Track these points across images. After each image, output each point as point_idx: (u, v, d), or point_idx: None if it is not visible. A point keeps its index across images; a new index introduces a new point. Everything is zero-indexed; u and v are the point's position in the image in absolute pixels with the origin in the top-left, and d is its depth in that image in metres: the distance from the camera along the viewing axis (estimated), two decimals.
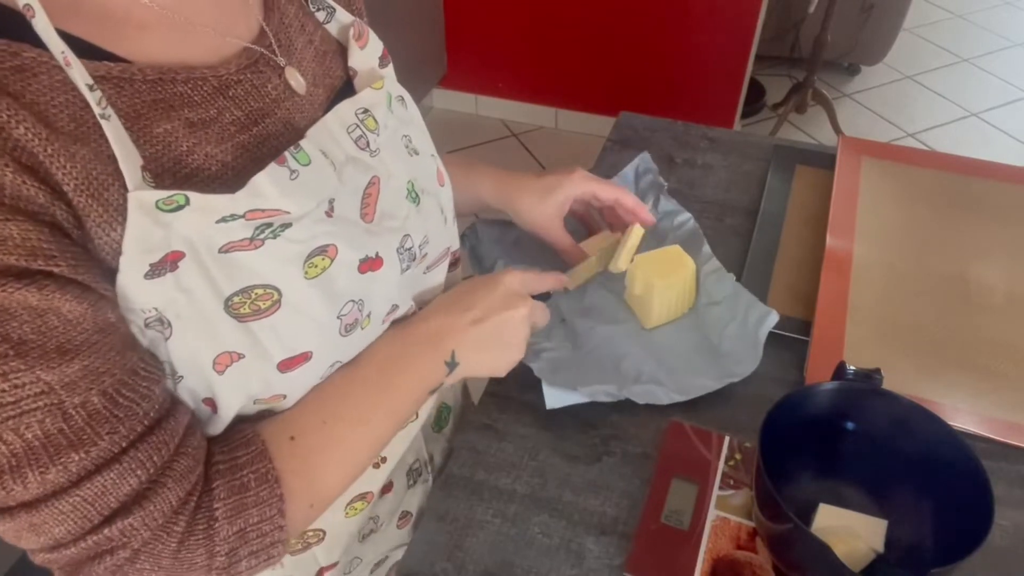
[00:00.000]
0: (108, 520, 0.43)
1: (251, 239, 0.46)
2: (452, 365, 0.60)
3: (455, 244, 0.69)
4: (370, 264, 0.53)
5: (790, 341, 0.78)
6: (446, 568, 0.62)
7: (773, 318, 0.76)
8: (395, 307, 0.58)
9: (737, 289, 0.80)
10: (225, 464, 0.49)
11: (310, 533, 0.62)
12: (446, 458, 0.78)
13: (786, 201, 0.97)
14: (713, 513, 0.64)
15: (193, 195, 0.43)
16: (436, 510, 0.66)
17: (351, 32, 0.59)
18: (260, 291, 0.47)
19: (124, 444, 0.43)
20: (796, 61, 2.90)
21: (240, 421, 0.53)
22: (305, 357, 0.51)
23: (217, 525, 0.47)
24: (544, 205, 0.77)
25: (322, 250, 0.49)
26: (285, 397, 0.52)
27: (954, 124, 2.88)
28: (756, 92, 2.89)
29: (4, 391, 0.38)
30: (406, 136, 0.60)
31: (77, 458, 0.41)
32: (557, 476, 0.68)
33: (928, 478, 0.59)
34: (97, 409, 0.42)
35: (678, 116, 1.17)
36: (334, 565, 0.67)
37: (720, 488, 0.66)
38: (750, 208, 0.97)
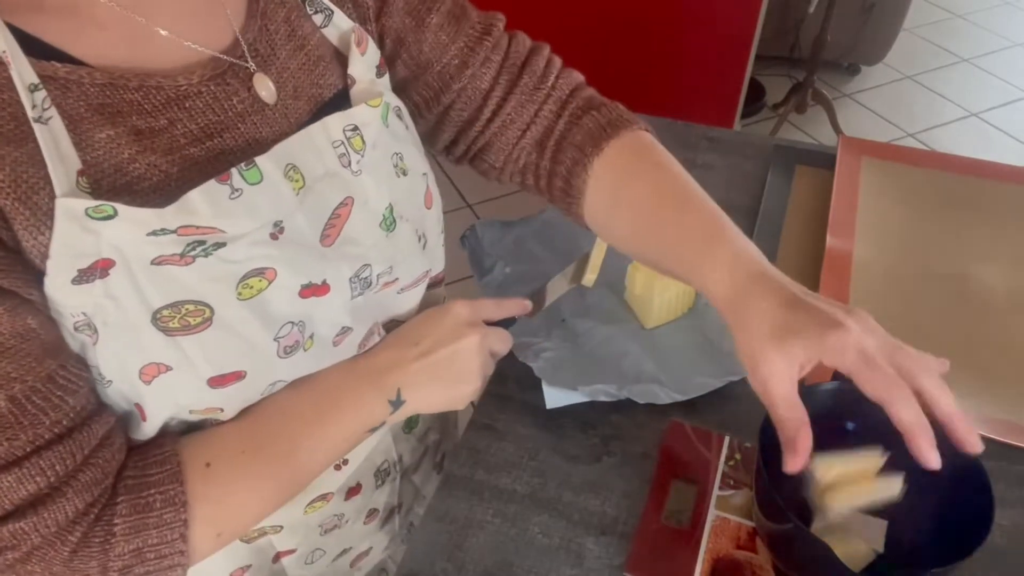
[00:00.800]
0: (1, 520, 0.43)
1: (181, 255, 0.44)
2: (397, 403, 0.57)
3: (436, 266, 0.65)
4: (314, 290, 0.51)
5: None
6: (446, 568, 0.62)
7: None
8: (347, 329, 0.55)
9: None
10: (135, 480, 0.48)
11: (266, 527, 0.62)
12: (419, 456, 0.77)
13: (786, 201, 0.97)
14: (713, 513, 0.64)
15: (121, 207, 0.42)
16: (436, 510, 0.66)
17: (352, 38, 0.56)
18: (191, 307, 0.45)
19: (27, 450, 0.43)
20: (796, 61, 2.90)
21: (188, 429, 0.52)
22: (238, 376, 0.49)
23: (114, 540, 0.47)
24: (774, 354, 0.47)
25: (259, 272, 0.48)
26: (223, 411, 0.52)
27: (954, 124, 2.88)
28: (756, 92, 2.89)
29: None
30: (397, 154, 0.57)
31: None
32: (557, 476, 0.68)
33: (928, 478, 0.59)
34: (1, 413, 0.42)
35: (678, 116, 1.17)
36: (292, 551, 0.66)
37: (720, 488, 0.66)
38: (750, 208, 0.97)
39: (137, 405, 0.49)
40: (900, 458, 0.61)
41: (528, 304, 0.66)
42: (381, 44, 0.62)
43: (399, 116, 0.59)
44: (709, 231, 0.55)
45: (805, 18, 2.67)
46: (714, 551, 0.61)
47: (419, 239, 0.60)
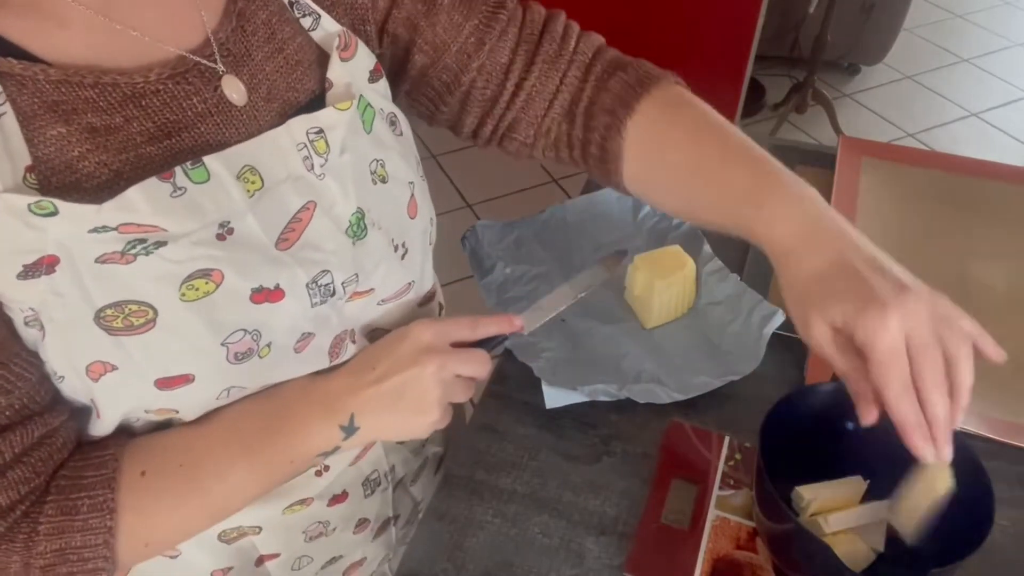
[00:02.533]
0: None
1: (122, 253, 0.44)
2: (350, 430, 0.54)
3: (421, 280, 0.62)
4: (266, 295, 0.49)
5: (790, 341, 0.78)
6: (446, 568, 0.62)
7: (779, 318, 0.76)
8: (307, 335, 0.53)
9: (741, 289, 0.80)
10: (67, 481, 0.49)
11: (245, 527, 0.61)
12: (416, 468, 0.76)
13: None
14: (713, 513, 0.64)
15: (61, 203, 0.42)
16: (436, 510, 0.66)
17: (336, 42, 0.55)
18: (134, 307, 0.45)
19: None
20: (796, 61, 2.90)
21: (156, 427, 0.53)
22: (186, 379, 0.49)
23: (37, 539, 0.47)
24: (813, 314, 0.49)
25: (204, 273, 0.47)
26: (178, 412, 0.51)
27: (954, 124, 2.88)
28: (756, 92, 2.89)
29: None
30: (378, 161, 0.56)
31: None
32: (557, 476, 0.68)
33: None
34: None
35: None
36: (276, 556, 0.65)
37: (720, 488, 0.66)
38: None
39: (92, 400, 0.49)
40: (894, 475, 0.61)
41: (518, 322, 0.59)
42: (395, 38, 0.62)
43: (392, 123, 0.58)
44: (755, 185, 0.55)
45: (805, 18, 2.67)
46: (714, 551, 0.61)
47: (395, 249, 0.58)
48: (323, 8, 0.56)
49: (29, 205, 0.42)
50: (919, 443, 0.47)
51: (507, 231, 0.90)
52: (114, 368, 0.47)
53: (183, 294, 0.46)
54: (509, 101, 0.64)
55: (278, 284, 0.50)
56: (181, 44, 0.49)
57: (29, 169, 0.43)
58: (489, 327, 0.57)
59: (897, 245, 0.88)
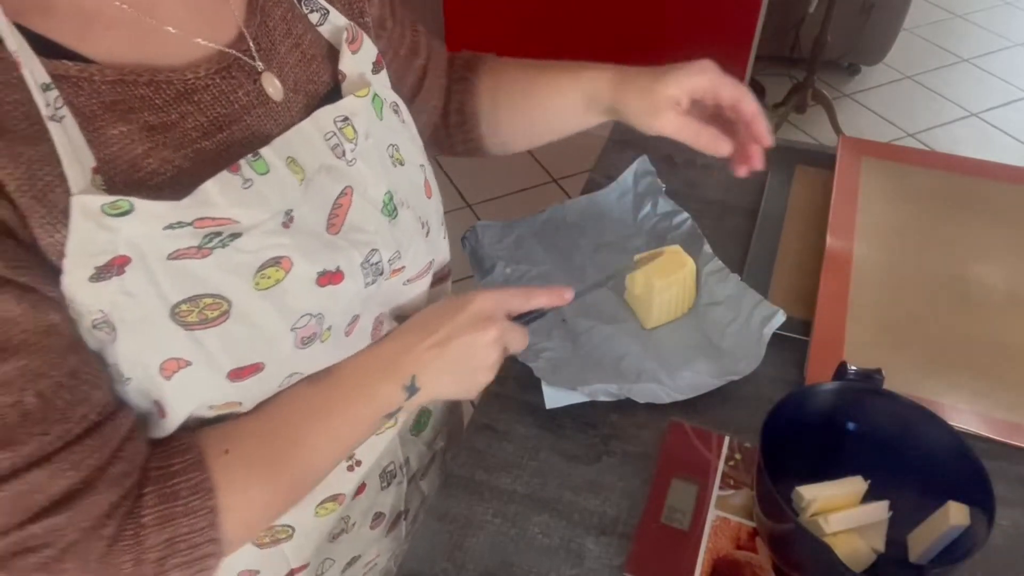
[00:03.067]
0: (35, 517, 0.43)
1: (199, 247, 0.45)
2: (411, 390, 0.57)
3: (440, 256, 0.66)
4: (330, 278, 0.51)
5: (790, 341, 0.78)
6: (446, 568, 0.62)
7: (780, 318, 0.76)
8: (356, 317, 0.56)
9: (742, 289, 0.80)
10: (159, 471, 0.48)
11: (278, 528, 0.61)
12: (426, 462, 0.77)
13: (786, 201, 0.97)
14: (713, 513, 0.64)
15: (138, 201, 0.42)
16: (436, 510, 0.66)
17: (344, 35, 0.58)
18: (208, 300, 0.46)
19: (57, 445, 0.43)
20: (796, 61, 2.90)
21: (200, 424, 0.52)
22: (256, 368, 0.49)
23: (144, 532, 0.47)
24: (659, 86, 0.65)
25: (275, 262, 0.48)
26: (241, 404, 0.52)
27: (954, 124, 2.88)
28: (756, 92, 2.87)
29: None
30: (393, 145, 0.59)
31: (3, 456, 0.41)
32: (557, 476, 0.68)
33: (928, 478, 0.59)
34: (30, 410, 0.42)
35: None
36: (305, 567, 0.65)
37: (720, 488, 0.66)
38: (750, 208, 0.97)
39: (156, 402, 0.49)
40: (895, 475, 0.61)
41: (568, 295, 0.63)
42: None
43: (395, 111, 0.60)
44: (572, 66, 0.73)
45: (805, 18, 2.67)
46: (714, 551, 0.61)
47: (422, 226, 0.61)
48: (330, 3, 0.58)
49: (103, 206, 0.42)
50: (766, 131, 0.66)
51: (507, 231, 0.90)
52: (188, 364, 0.47)
53: (256, 283, 0.47)
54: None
55: (339, 266, 0.52)
56: (216, 39, 0.50)
57: (95, 171, 0.43)
58: (541, 299, 0.61)
59: (897, 245, 0.89)
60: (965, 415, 0.71)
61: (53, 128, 0.41)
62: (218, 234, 0.46)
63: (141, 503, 0.47)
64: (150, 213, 0.43)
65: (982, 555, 0.50)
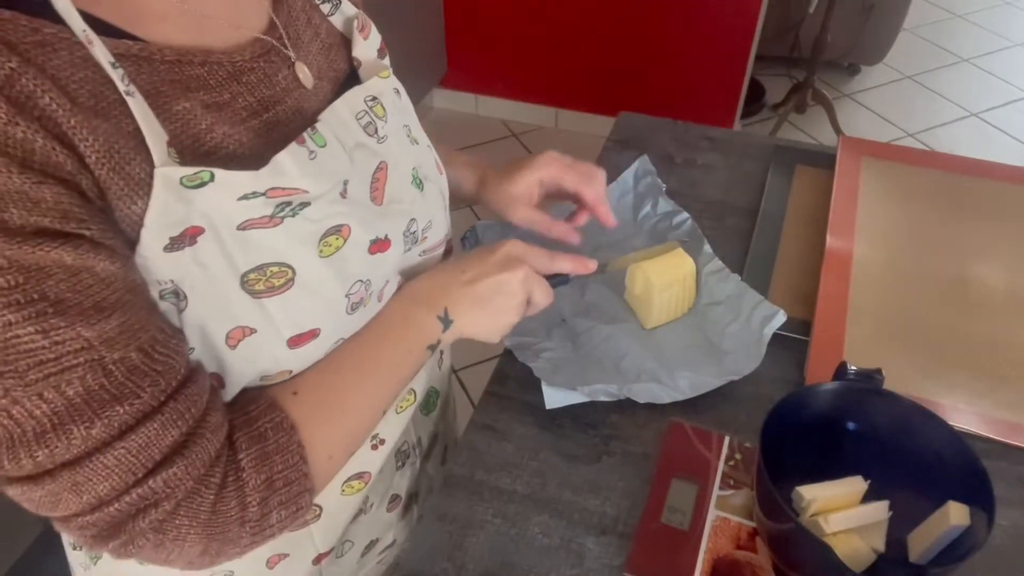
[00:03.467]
0: (152, 472, 0.44)
1: (271, 216, 0.47)
2: (446, 321, 0.60)
3: (448, 229, 0.70)
4: (379, 245, 0.55)
5: (790, 341, 0.78)
6: (446, 568, 0.62)
7: (780, 318, 0.76)
8: (387, 283, 0.59)
9: (742, 289, 0.80)
10: (240, 418, 0.50)
11: None
12: (432, 442, 0.79)
13: (786, 201, 0.97)
14: (713, 513, 0.64)
15: (219, 172, 0.44)
16: (436, 510, 0.66)
17: (355, 23, 0.61)
18: (275, 268, 0.48)
19: (164, 396, 0.44)
20: (796, 61, 2.90)
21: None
22: (313, 334, 0.52)
23: (245, 475, 0.48)
24: (509, 186, 0.75)
25: (336, 230, 0.51)
26: (291, 373, 0.53)
27: (954, 124, 2.88)
28: (756, 92, 2.89)
29: (44, 348, 0.39)
30: (406, 126, 0.62)
31: (121, 411, 0.42)
32: (557, 476, 0.68)
33: (928, 478, 0.59)
34: (136, 364, 0.42)
35: (678, 116, 1.17)
36: (330, 551, 0.67)
37: (720, 488, 0.66)
38: (750, 208, 0.97)
39: (215, 374, 0.50)
40: (895, 475, 0.61)
41: (592, 264, 0.68)
42: None
43: (398, 96, 0.63)
44: (450, 161, 0.77)
45: (805, 18, 2.67)
46: (714, 551, 0.61)
47: (443, 198, 0.65)
48: None
49: (182, 178, 0.43)
50: (607, 212, 0.76)
51: (507, 231, 0.90)
52: (253, 331, 0.49)
53: (320, 251, 0.50)
54: None
55: (387, 234, 0.56)
56: (252, 27, 0.53)
57: (168, 144, 0.44)
58: (564, 264, 0.66)
59: (897, 245, 0.89)
60: (965, 415, 0.71)
61: (131, 102, 0.42)
62: (288, 203, 0.48)
63: (235, 447, 0.49)
64: (228, 183, 0.45)
65: (982, 555, 0.50)
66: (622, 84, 2.67)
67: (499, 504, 0.66)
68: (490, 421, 0.73)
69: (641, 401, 0.71)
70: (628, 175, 0.96)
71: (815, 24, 2.56)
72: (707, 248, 0.85)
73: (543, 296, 0.64)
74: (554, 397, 0.71)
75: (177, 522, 0.45)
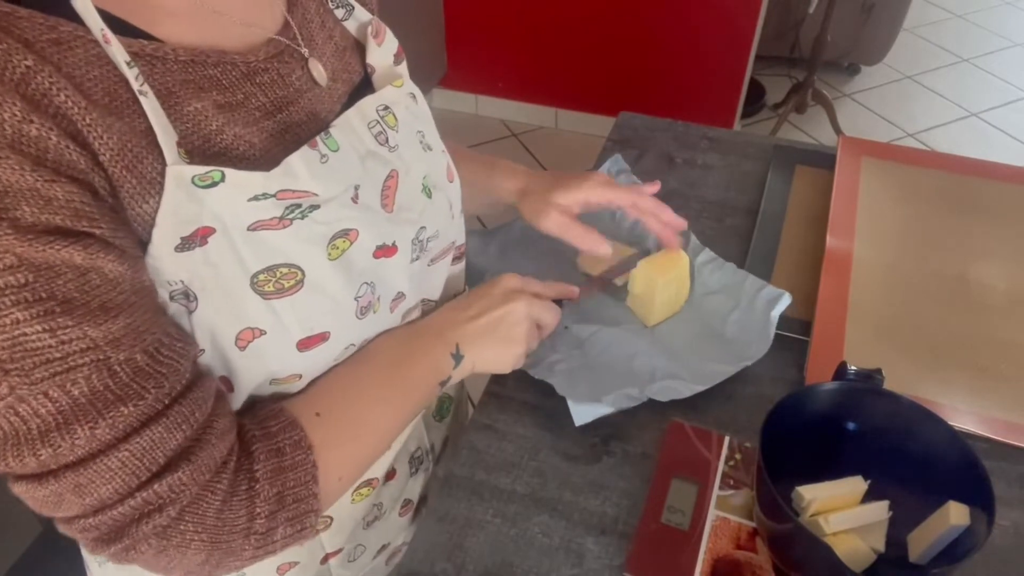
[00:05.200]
0: (156, 476, 0.43)
1: (280, 218, 0.47)
2: (458, 357, 0.62)
3: (460, 238, 0.70)
4: (385, 251, 0.55)
5: (790, 341, 0.78)
6: (446, 568, 0.62)
7: (786, 299, 0.76)
8: (400, 295, 0.59)
9: (741, 276, 0.81)
10: (259, 431, 0.50)
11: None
12: (443, 445, 0.80)
13: (786, 201, 0.97)
14: (713, 513, 0.64)
15: (229, 172, 0.44)
16: (436, 510, 0.66)
17: (369, 29, 0.61)
18: (285, 270, 0.48)
19: (169, 400, 0.44)
20: (796, 61, 2.90)
21: (254, 402, 0.53)
22: (323, 337, 0.52)
23: (258, 486, 0.48)
24: (554, 196, 0.75)
25: (344, 233, 0.51)
26: (300, 377, 0.53)
27: (954, 124, 2.88)
28: (756, 92, 2.89)
29: (51, 347, 0.39)
30: (420, 132, 0.62)
31: (126, 412, 0.41)
32: (557, 476, 0.68)
33: (928, 478, 0.59)
34: (141, 366, 0.42)
35: (678, 116, 1.17)
36: (339, 551, 0.67)
37: (720, 488, 0.66)
38: (750, 208, 0.97)
39: (224, 377, 0.50)
40: (895, 475, 0.61)
41: (575, 291, 0.72)
42: None
43: (414, 99, 0.63)
44: (489, 167, 0.80)
45: (805, 18, 2.67)
46: (714, 551, 0.61)
47: (450, 207, 0.65)
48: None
49: (193, 177, 0.43)
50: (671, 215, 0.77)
51: (489, 239, 0.90)
52: (262, 333, 0.48)
53: (328, 254, 0.50)
54: None
55: (394, 241, 0.56)
56: (266, 27, 0.53)
57: (178, 144, 0.44)
58: (556, 290, 0.70)
59: (897, 245, 0.89)
60: (965, 415, 0.71)
61: (144, 102, 0.42)
62: (298, 206, 0.48)
63: (252, 458, 0.48)
64: (238, 184, 0.45)
65: (982, 555, 0.50)
66: (622, 84, 2.67)
67: (499, 504, 0.66)
68: (490, 421, 0.73)
69: (664, 400, 0.70)
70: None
71: (815, 24, 2.56)
72: (694, 239, 0.86)
73: (550, 317, 0.67)
74: (582, 413, 0.69)
75: (182, 528, 0.45)
